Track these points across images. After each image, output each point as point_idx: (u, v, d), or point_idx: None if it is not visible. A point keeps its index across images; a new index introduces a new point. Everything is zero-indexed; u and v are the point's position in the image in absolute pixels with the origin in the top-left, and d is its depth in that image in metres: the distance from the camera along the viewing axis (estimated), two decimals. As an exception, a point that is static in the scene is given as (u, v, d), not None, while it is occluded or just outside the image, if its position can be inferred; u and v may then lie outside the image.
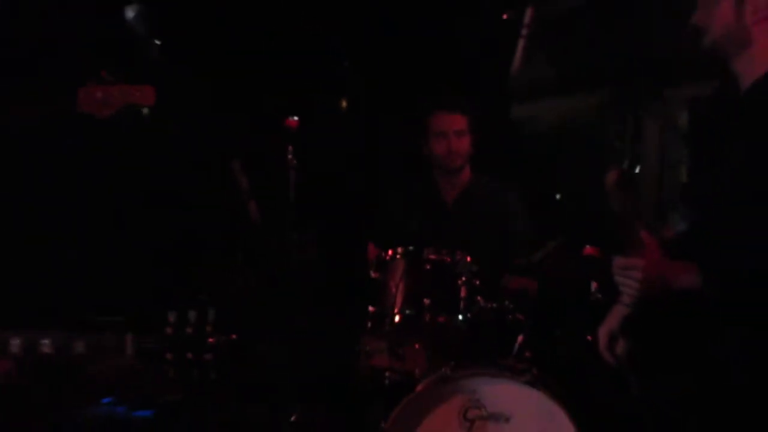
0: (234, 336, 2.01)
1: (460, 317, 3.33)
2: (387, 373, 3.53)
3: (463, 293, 3.35)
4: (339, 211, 4.31)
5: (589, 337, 3.49)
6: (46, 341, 1.99)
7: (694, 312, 2.17)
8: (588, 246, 3.36)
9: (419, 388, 3.16)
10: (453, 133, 3.76)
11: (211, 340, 1.95)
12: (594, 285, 3.43)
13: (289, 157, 3.41)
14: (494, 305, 3.46)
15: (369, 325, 3.49)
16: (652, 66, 4.42)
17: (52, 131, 2.88)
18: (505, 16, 4.09)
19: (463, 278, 3.36)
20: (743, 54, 2.21)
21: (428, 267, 3.38)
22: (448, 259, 3.40)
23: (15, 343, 2.01)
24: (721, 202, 2.19)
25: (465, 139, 3.79)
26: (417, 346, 3.46)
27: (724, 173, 2.21)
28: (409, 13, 4.54)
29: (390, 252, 3.47)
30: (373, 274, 3.53)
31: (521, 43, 4.41)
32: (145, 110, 3.08)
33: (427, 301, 3.32)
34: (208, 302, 1.97)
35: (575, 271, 3.50)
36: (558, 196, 4.71)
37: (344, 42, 4.31)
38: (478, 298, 3.38)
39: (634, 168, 3.30)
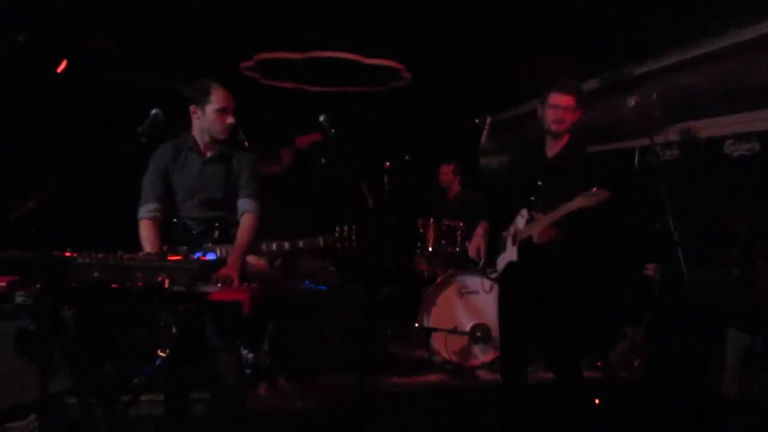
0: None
1: (458, 249, 5.29)
2: (425, 272, 5.53)
3: (459, 239, 5.34)
4: (406, 203, 5.93)
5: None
6: (286, 243, 3.51)
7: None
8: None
9: (438, 279, 5.00)
10: (450, 171, 5.99)
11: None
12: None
13: (385, 180, 5.35)
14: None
15: (418, 251, 5.57)
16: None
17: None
18: (477, 121, 6.20)
19: (458, 232, 5.33)
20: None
21: (444, 227, 5.37)
22: (452, 224, 5.36)
23: (270, 244, 3.52)
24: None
25: (455, 176, 6.00)
26: (438, 261, 5.50)
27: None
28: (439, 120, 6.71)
29: (430, 220, 5.47)
30: (420, 230, 5.55)
31: (485, 133, 6.53)
32: (323, 160, 5.32)
33: (443, 242, 5.37)
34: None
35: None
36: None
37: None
38: (465, 241, 5.25)
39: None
